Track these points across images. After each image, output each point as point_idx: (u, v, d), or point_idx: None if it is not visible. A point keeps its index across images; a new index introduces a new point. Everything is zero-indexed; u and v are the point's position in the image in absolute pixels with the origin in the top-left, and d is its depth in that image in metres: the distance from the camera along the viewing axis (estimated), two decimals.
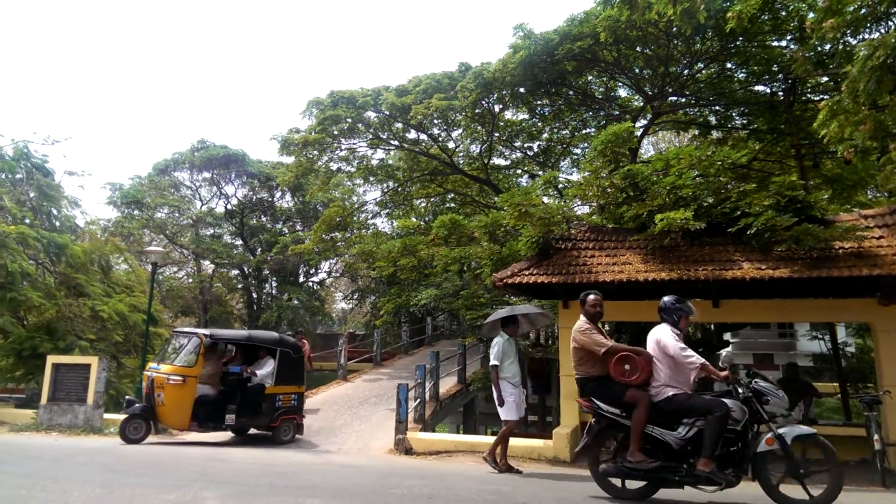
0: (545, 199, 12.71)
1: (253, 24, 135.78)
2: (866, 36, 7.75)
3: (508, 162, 22.43)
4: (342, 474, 6.62)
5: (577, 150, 20.30)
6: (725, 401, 4.82)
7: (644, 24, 12.27)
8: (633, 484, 5.11)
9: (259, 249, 30.40)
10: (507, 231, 11.43)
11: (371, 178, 23.39)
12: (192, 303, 28.87)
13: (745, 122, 16.28)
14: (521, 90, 16.05)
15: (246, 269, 31.17)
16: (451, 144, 20.63)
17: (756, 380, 5.03)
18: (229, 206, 31.35)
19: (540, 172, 19.75)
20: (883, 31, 6.67)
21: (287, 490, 5.27)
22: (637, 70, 15.46)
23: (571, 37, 13.55)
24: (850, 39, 9.27)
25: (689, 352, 4.94)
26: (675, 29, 11.78)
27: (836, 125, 6.52)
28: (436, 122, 19.19)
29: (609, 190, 10.26)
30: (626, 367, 5.09)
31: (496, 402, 7.05)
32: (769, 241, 8.01)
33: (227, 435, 10.01)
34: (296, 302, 29.41)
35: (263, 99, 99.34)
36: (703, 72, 15.05)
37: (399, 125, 19.62)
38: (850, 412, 11.31)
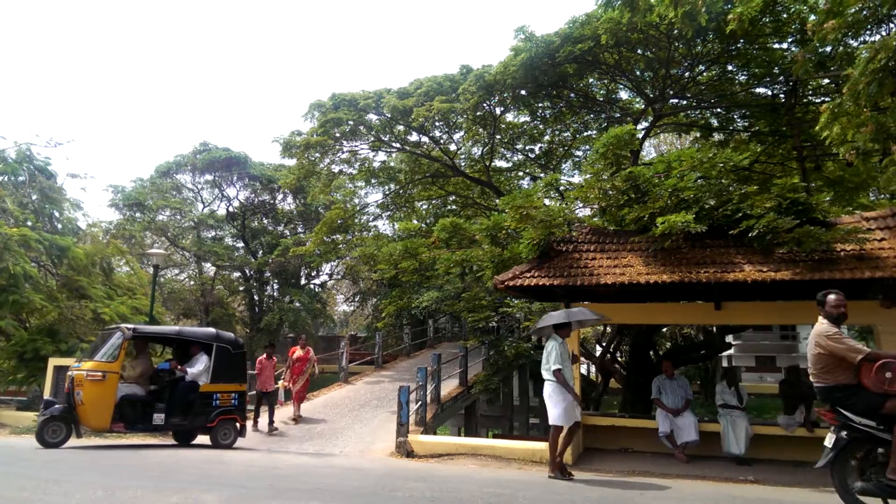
0: (546, 202, 12.71)
1: (255, 27, 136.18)
2: (867, 38, 7.75)
3: (510, 164, 22.45)
4: (343, 477, 6.61)
5: (579, 153, 20.28)
6: None
7: (645, 27, 12.28)
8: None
9: (261, 252, 30.46)
10: (508, 233, 11.41)
11: (372, 181, 23.45)
12: (194, 305, 28.92)
13: (746, 124, 16.27)
14: (523, 92, 16.04)
15: (247, 272, 31.22)
16: (452, 147, 20.65)
17: None
18: (231, 209, 31.43)
19: (541, 175, 19.75)
20: (884, 33, 6.68)
21: (288, 493, 5.26)
22: (638, 72, 15.48)
23: (573, 39, 13.57)
24: (852, 41, 9.29)
25: None
26: (676, 31, 11.79)
27: (837, 127, 6.52)
28: (437, 124, 19.18)
29: (610, 192, 10.26)
30: (888, 374, 4.66)
31: (552, 406, 6.87)
32: (771, 243, 7.99)
33: (167, 440, 9.33)
34: (297, 304, 29.46)
35: (266, 102, 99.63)
36: (705, 74, 15.07)
37: (400, 127, 19.65)
38: None
